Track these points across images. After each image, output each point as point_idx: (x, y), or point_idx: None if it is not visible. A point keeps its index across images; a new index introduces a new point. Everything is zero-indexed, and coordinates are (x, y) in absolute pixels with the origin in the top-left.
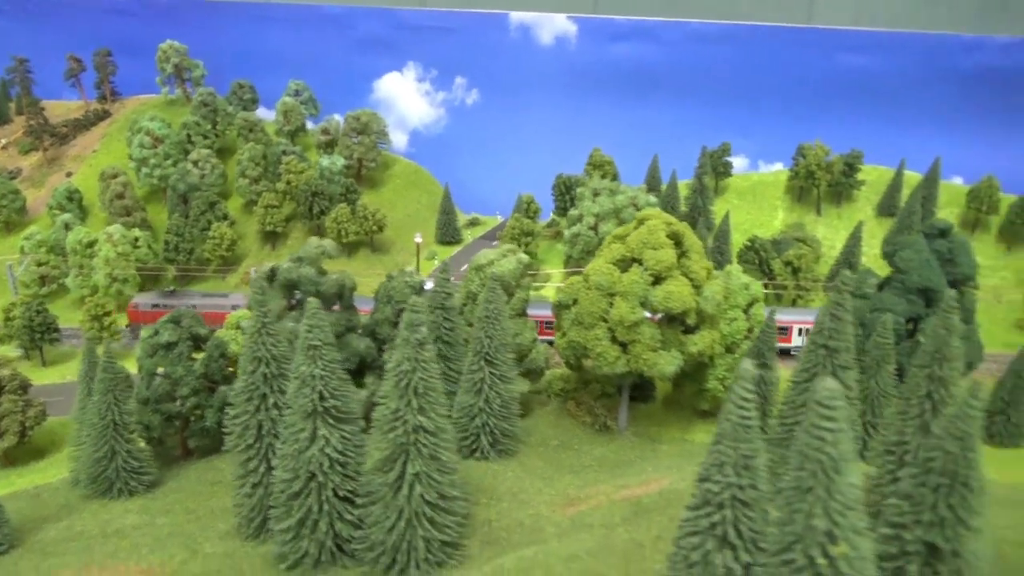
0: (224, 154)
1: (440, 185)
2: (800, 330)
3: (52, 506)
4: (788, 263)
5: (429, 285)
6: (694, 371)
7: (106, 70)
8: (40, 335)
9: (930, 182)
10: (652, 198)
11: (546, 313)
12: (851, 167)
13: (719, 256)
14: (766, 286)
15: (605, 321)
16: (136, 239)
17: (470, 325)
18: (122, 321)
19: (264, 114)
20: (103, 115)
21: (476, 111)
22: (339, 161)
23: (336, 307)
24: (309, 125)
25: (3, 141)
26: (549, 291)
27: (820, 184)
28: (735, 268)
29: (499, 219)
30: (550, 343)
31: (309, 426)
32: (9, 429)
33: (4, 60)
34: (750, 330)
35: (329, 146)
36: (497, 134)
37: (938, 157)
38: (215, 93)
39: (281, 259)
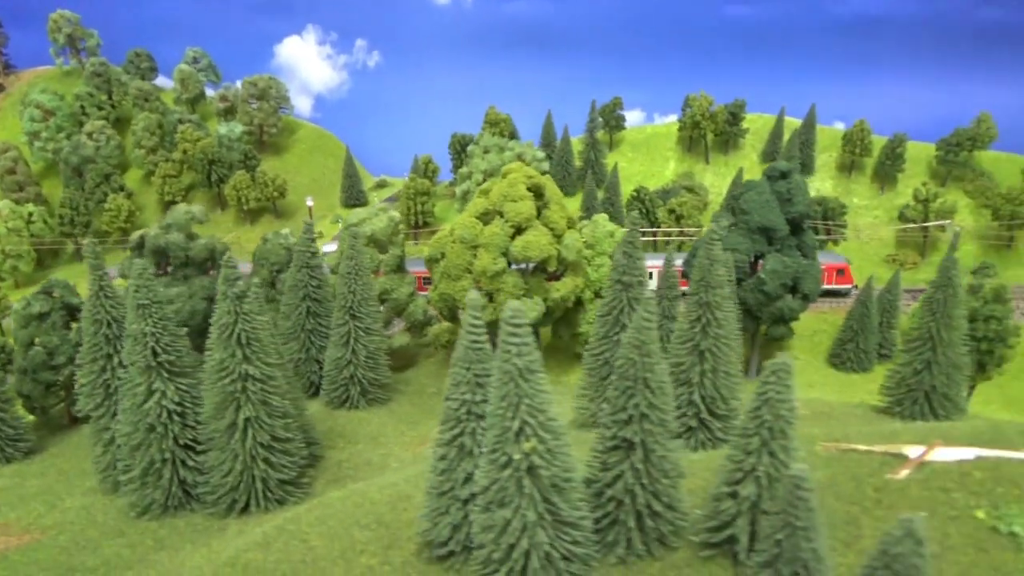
0: (122, 125)
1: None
2: None
3: None
4: (672, 211)
5: (330, 248)
6: (567, 317)
7: None
8: None
9: (807, 127)
10: (540, 153)
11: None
12: (735, 116)
13: (610, 207)
14: (654, 234)
15: (470, 272)
16: (30, 214)
17: None
18: (14, 297)
19: (165, 83)
20: None
21: (379, 73)
22: (237, 128)
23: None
24: (210, 92)
25: None
26: None
27: (706, 133)
28: (601, 217)
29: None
30: None
31: (146, 380)
32: None
33: None
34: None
35: (229, 113)
36: (401, 96)
37: (813, 104)
38: (107, 63)
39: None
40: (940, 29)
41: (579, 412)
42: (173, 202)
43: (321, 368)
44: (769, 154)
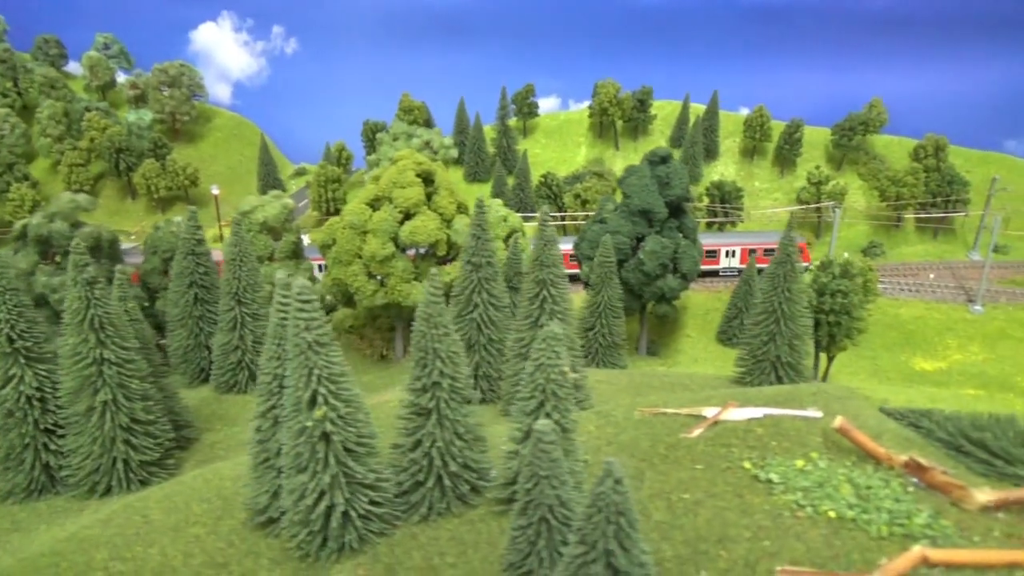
0: (28, 113)
1: (266, 137)
2: (727, 252)
3: None
4: (577, 196)
5: None
6: None
7: None
8: None
9: (711, 114)
10: (448, 140)
11: None
12: (642, 103)
13: (520, 193)
14: (562, 219)
15: (360, 258)
16: None
17: None
18: None
19: (76, 70)
20: None
21: (297, 60)
22: (147, 116)
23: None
24: (122, 79)
25: None
26: None
27: (615, 120)
28: (496, 202)
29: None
30: None
31: (2, 367)
32: None
33: None
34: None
35: (140, 100)
36: (320, 83)
37: (715, 90)
38: (11, 49)
39: (92, 219)
40: (838, 17)
41: None
42: (81, 191)
43: (211, 354)
44: (676, 139)
